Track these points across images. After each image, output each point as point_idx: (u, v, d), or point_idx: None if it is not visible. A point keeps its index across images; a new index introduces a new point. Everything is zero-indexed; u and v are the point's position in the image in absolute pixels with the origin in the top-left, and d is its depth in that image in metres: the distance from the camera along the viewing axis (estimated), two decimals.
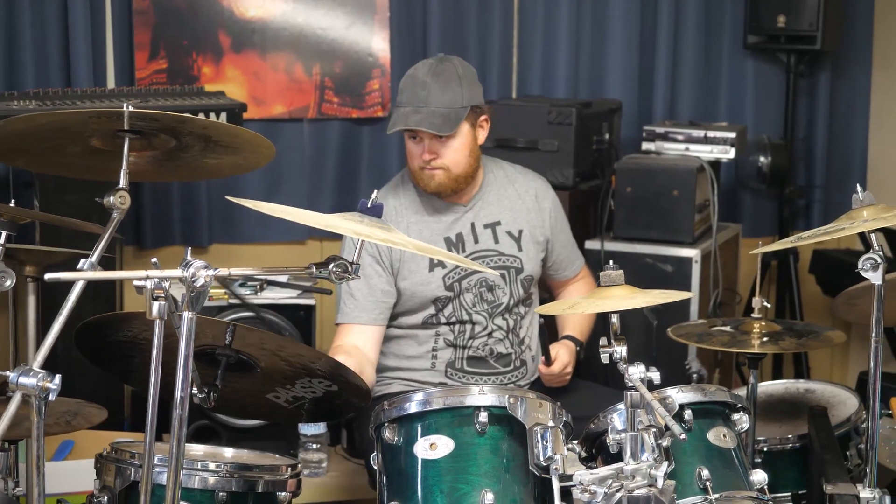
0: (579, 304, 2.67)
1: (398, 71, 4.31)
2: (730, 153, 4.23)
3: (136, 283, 2.00)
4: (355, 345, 3.23)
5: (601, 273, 2.55)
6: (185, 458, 2.24)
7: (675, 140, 4.26)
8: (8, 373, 2.11)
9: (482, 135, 3.32)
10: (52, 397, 2.10)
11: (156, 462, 2.22)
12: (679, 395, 2.63)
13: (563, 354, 3.33)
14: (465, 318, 3.32)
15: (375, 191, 2.34)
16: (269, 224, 4.27)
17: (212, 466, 2.49)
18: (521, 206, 3.42)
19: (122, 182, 2.41)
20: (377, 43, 4.30)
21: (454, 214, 3.35)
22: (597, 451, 2.65)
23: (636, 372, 2.36)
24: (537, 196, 3.45)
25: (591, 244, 4.07)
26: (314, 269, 2.15)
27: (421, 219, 3.33)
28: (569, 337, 3.41)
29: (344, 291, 3.28)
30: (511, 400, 2.49)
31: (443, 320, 3.31)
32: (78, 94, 3.69)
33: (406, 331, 3.35)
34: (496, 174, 3.42)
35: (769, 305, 3.23)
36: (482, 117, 3.30)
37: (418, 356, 3.34)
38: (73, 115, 2.42)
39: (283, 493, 2.56)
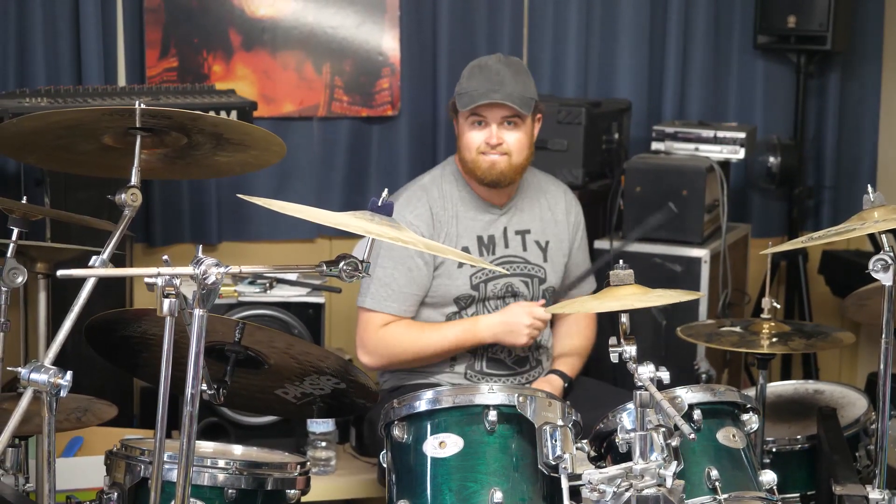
0: (589, 304, 2.67)
1: (408, 70, 4.32)
2: (739, 153, 4.22)
3: (147, 280, 2.01)
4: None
5: (610, 272, 2.55)
6: (195, 455, 2.24)
7: (685, 140, 4.26)
8: (19, 369, 2.12)
9: (536, 131, 3.38)
10: (63, 394, 2.11)
11: (166, 459, 2.22)
12: (688, 394, 2.63)
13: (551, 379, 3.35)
14: None
15: (385, 189, 2.34)
16: (278, 222, 4.27)
17: (221, 464, 2.49)
18: (551, 218, 3.44)
19: (134, 180, 2.42)
20: (387, 42, 4.30)
21: (490, 216, 3.37)
22: (606, 450, 2.66)
23: (646, 371, 2.36)
24: (567, 210, 3.49)
25: (601, 244, 4.06)
26: (325, 268, 2.15)
27: (460, 213, 3.35)
28: (557, 371, 3.41)
29: (376, 277, 3.28)
30: (520, 399, 2.49)
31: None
32: (89, 92, 3.69)
33: None
34: (530, 181, 3.45)
35: (778, 306, 3.23)
36: (538, 114, 3.37)
37: (436, 365, 3.35)
38: (85, 112, 2.42)
39: (293, 491, 2.57)
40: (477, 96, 3.24)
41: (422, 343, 3.28)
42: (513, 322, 3.25)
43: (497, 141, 3.26)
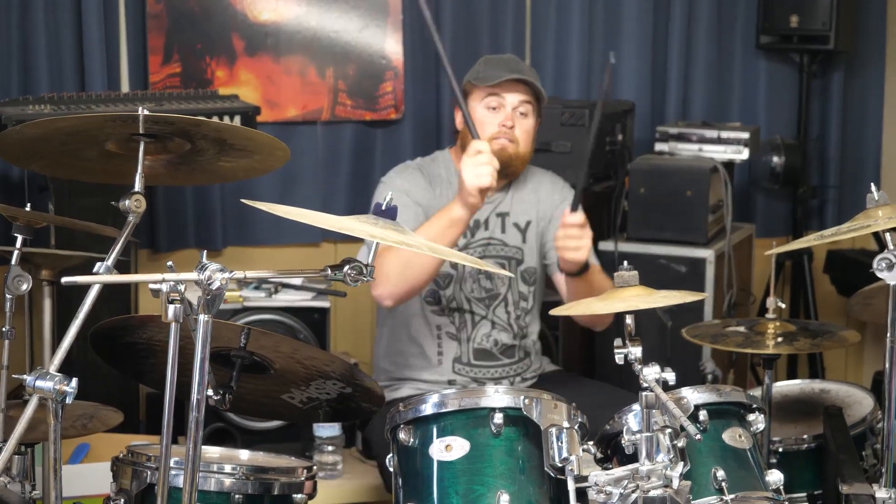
0: (594, 305, 2.67)
1: (411, 73, 4.33)
2: (743, 153, 4.23)
3: (151, 286, 2.01)
4: None
5: (615, 274, 2.55)
6: (202, 460, 2.24)
7: (689, 141, 4.26)
8: (25, 376, 2.12)
9: (535, 129, 3.43)
10: (69, 400, 2.11)
11: (172, 465, 2.22)
12: (694, 395, 2.63)
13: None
14: (465, 307, 3.36)
15: (389, 192, 2.34)
16: (283, 227, 4.28)
17: (228, 469, 2.49)
18: (534, 198, 3.47)
19: (138, 186, 2.42)
20: (390, 45, 4.31)
21: None
22: (612, 451, 2.65)
23: (651, 373, 2.36)
24: (552, 189, 3.51)
25: (605, 245, 4.07)
26: (329, 272, 2.15)
27: (448, 194, 3.37)
28: None
29: None
30: (526, 401, 2.49)
31: (443, 302, 3.35)
32: (92, 99, 3.70)
33: (412, 338, 3.39)
34: (522, 174, 3.47)
35: (783, 306, 3.23)
36: (540, 115, 3.44)
37: (425, 359, 3.36)
38: (89, 119, 2.43)
39: (299, 496, 2.57)
40: (499, 75, 3.32)
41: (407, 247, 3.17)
42: (463, 173, 3.10)
43: (511, 123, 3.31)
